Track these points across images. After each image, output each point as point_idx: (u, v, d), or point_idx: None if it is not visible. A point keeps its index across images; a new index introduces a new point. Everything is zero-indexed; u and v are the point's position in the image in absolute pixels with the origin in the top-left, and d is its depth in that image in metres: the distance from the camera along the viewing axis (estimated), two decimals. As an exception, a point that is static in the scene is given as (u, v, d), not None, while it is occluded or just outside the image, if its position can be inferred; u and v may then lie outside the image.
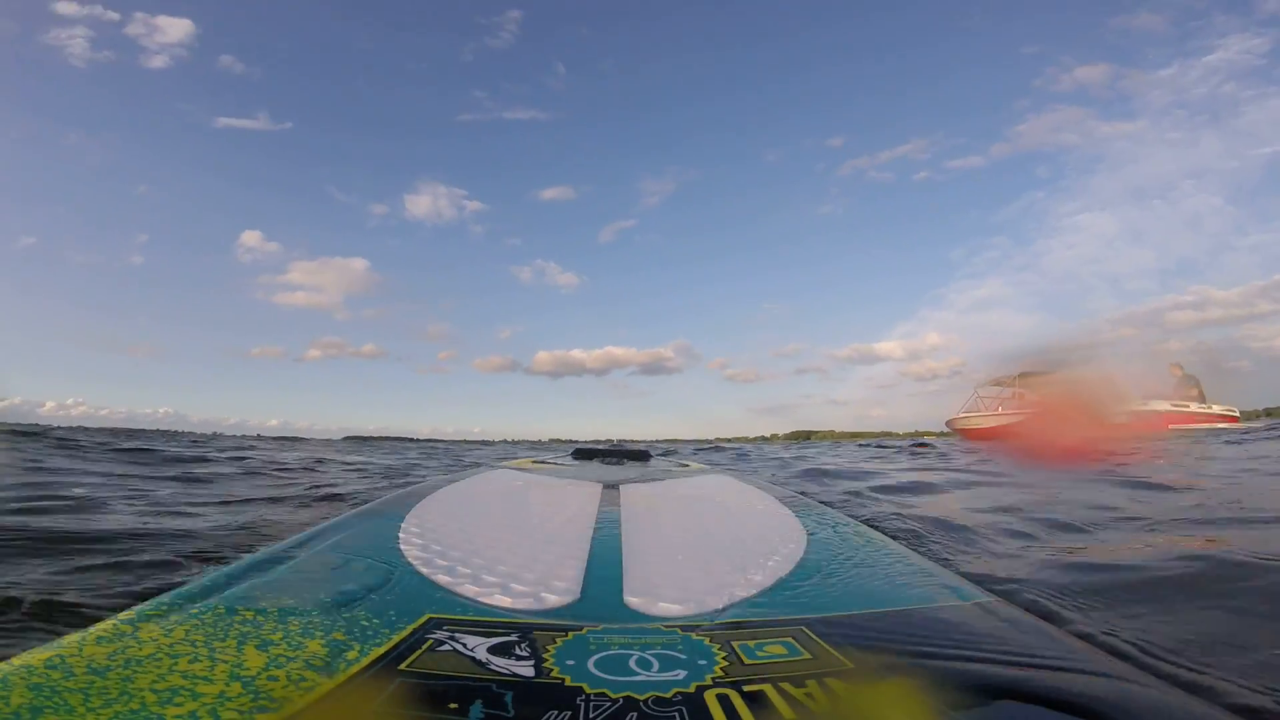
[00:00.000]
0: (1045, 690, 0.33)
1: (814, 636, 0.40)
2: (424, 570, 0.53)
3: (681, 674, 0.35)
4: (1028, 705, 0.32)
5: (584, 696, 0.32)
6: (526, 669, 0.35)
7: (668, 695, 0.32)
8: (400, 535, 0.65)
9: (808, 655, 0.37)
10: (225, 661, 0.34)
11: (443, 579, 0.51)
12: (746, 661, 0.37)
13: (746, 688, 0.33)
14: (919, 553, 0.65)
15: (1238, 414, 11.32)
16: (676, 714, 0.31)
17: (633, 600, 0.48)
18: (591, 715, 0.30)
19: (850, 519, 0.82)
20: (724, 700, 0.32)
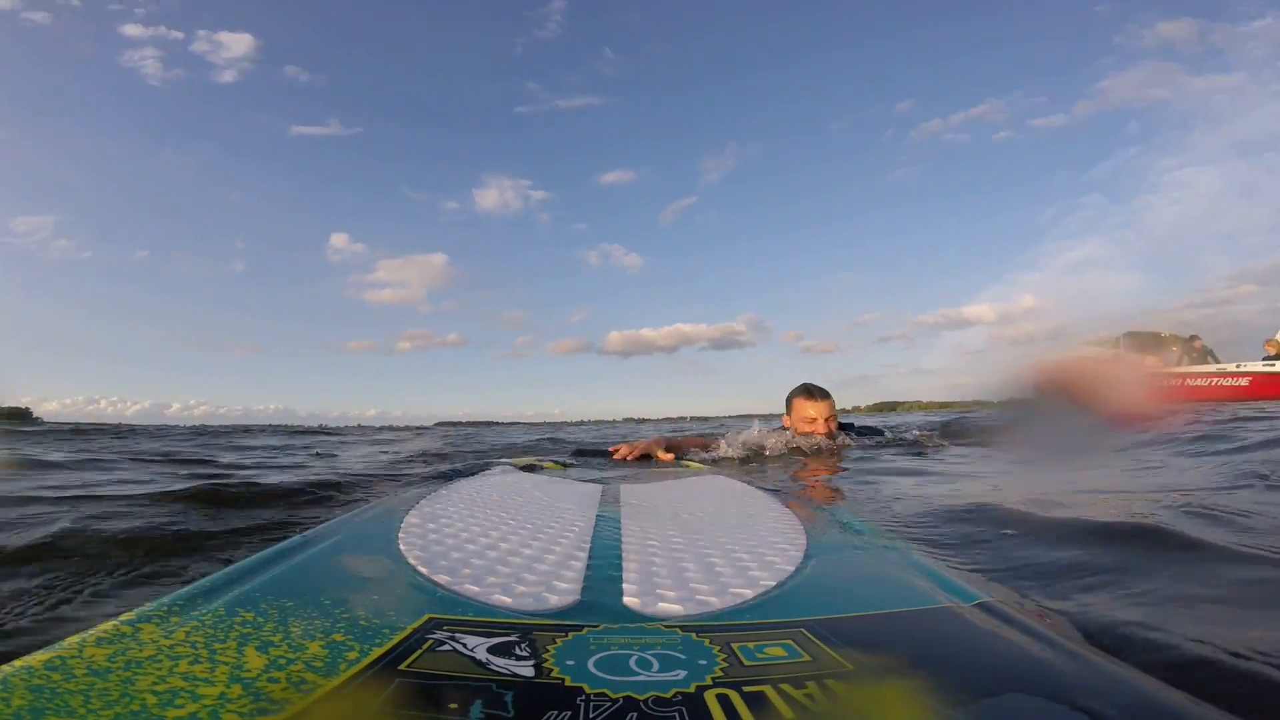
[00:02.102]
0: (1046, 691, 0.33)
1: (814, 638, 0.40)
2: (424, 570, 0.53)
3: (681, 674, 0.35)
4: (1028, 706, 0.32)
5: (584, 696, 0.32)
6: (526, 669, 0.35)
7: (668, 695, 0.32)
8: (400, 535, 0.65)
9: (807, 657, 0.37)
10: (226, 663, 0.34)
11: (443, 579, 0.51)
12: (746, 663, 0.37)
13: (746, 688, 0.33)
14: (920, 553, 0.65)
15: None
16: (676, 714, 0.31)
17: (632, 600, 0.48)
18: (591, 715, 0.30)
19: (851, 519, 0.82)
20: (724, 701, 0.32)
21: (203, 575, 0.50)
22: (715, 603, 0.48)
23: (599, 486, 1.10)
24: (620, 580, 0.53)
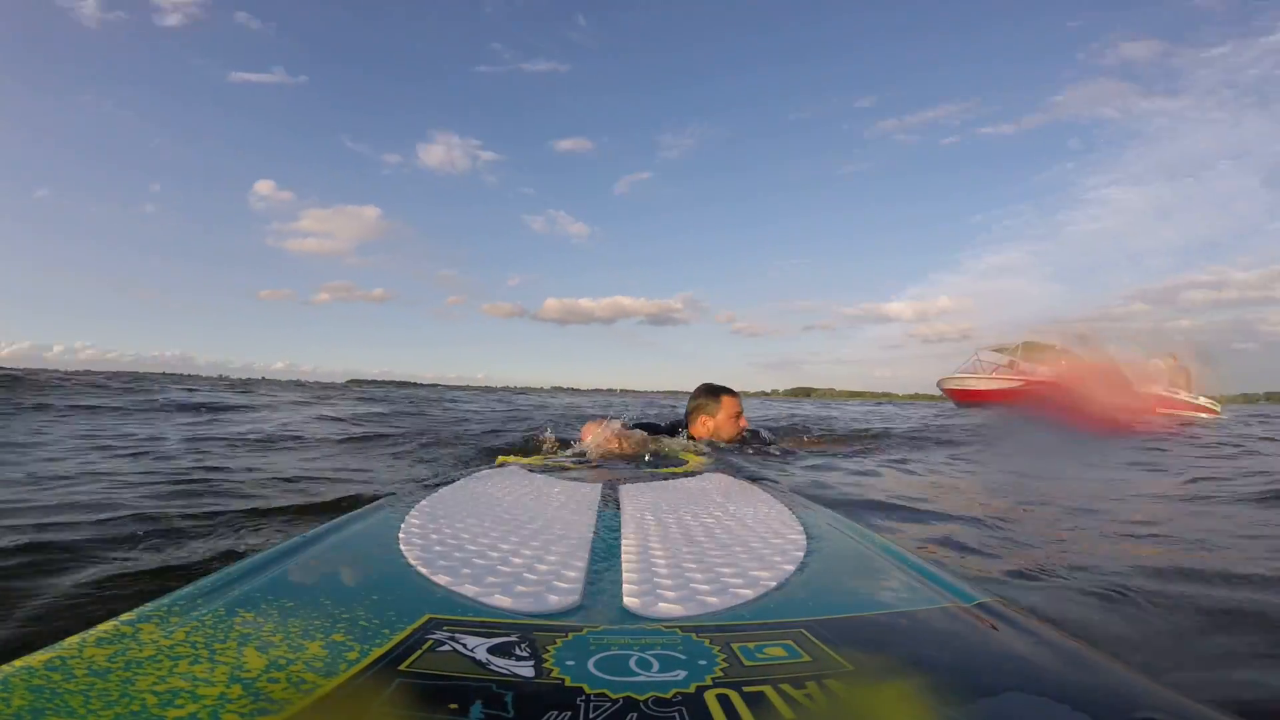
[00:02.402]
0: (1046, 691, 0.33)
1: (813, 638, 0.40)
2: (424, 570, 0.53)
3: (681, 675, 0.35)
4: (1028, 706, 0.32)
5: (584, 697, 0.32)
6: (526, 669, 0.35)
7: (668, 696, 0.32)
8: (400, 535, 0.65)
9: (807, 657, 0.37)
10: (226, 663, 0.34)
11: (443, 579, 0.51)
12: (746, 663, 0.37)
13: (746, 689, 0.33)
14: (919, 554, 0.65)
15: (1218, 408, 12.96)
16: (676, 714, 0.31)
17: (632, 601, 0.48)
18: (591, 715, 0.30)
19: (851, 520, 0.82)
20: (724, 701, 0.32)
21: (203, 575, 0.50)
22: (715, 603, 0.48)
23: (599, 486, 1.10)
24: (620, 580, 0.53)
